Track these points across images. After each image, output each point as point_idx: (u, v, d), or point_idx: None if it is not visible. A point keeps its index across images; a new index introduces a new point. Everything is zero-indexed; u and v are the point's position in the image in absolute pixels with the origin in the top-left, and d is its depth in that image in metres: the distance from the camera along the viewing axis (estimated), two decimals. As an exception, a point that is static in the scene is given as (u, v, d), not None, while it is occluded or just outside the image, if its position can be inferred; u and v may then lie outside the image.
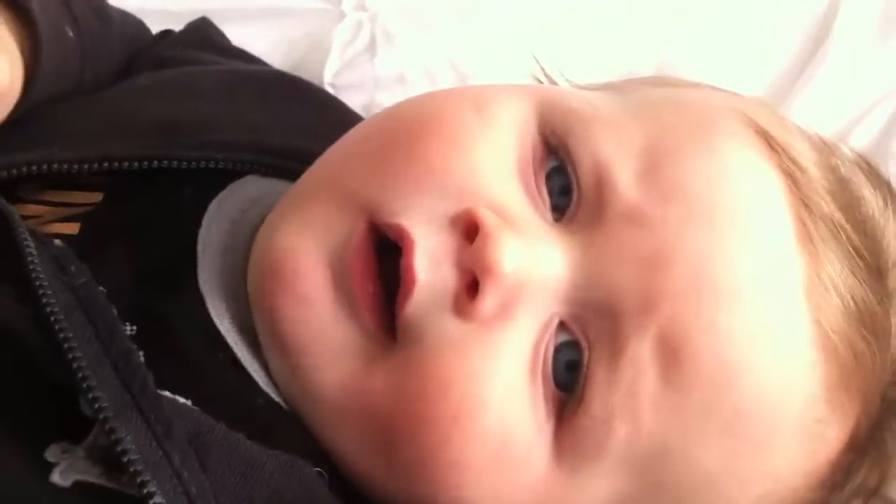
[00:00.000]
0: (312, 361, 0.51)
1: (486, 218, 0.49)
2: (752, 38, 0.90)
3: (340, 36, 0.85)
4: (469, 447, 0.49)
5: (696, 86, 0.61)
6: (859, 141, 0.79)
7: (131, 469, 0.43)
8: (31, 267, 0.47)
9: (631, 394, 0.49)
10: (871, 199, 0.56)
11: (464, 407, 0.49)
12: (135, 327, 0.50)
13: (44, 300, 0.46)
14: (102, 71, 0.68)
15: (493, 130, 0.52)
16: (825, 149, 0.57)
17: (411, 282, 0.49)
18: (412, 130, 0.53)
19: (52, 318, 0.46)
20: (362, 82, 0.82)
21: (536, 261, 0.50)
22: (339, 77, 0.83)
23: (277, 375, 0.53)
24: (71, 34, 0.63)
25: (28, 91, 0.57)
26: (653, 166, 0.51)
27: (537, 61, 0.66)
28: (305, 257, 0.51)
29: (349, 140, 0.57)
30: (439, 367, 0.49)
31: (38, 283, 0.47)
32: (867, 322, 0.52)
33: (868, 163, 0.60)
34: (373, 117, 0.59)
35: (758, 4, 0.92)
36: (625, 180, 0.51)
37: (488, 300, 0.49)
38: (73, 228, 0.56)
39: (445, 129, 0.52)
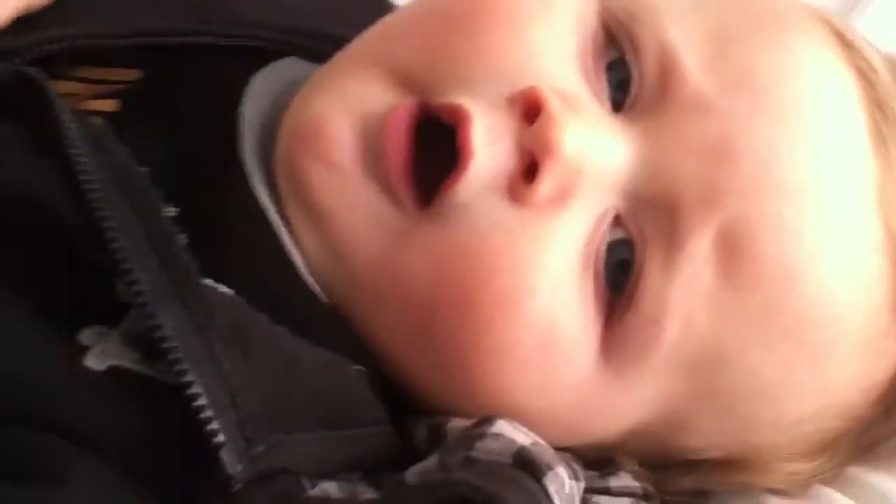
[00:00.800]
0: (342, 232, 0.49)
1: (550, 98, 0.48)
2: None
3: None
4: (513, 334, 0.48)
5: None
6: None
7: (170, 357, 0.41)
8: (69, 143, 0.45)
9: (687, 291, 0.48)
10: None
11: (510, 293, 0.47)
12: (178, 208, 0.48)
13: (82, 177, 0.44)
14: None
15: (554, 16, 0.51)
16: (892, 61, 0.55)
17: (469, 156, 0.47)
18: (471, 10, 0.51)
19: (92, 196, 0.44)
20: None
21: (597, 148, 0.48)
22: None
23: (311, 255, 0.51)
24: None
25: None
26: (722, 53, 0.49)
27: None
28: (337, 123, 0.50)
29: (397, 17, 0.55)
30: (486, 250, 0.47)
31: (76, 160, 0.45)
32: None
33: None
34: None
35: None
36: (692, 66, 0.49)
37: (547, 182, 0.47)
38: (112, 105, 0.54)
39: (505, 11, 0.51)
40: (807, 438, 0.53)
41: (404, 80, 0.50)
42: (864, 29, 0.79)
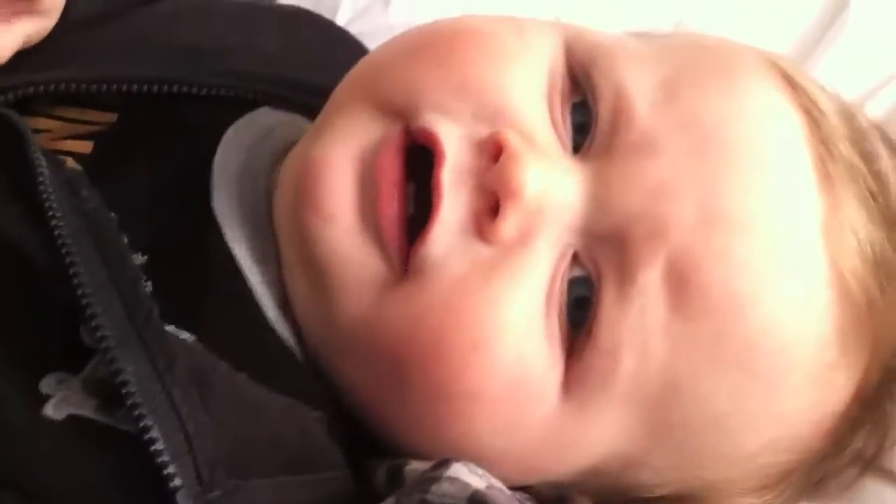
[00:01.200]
0: (333, 283, 0.51)
1: (513, 140, 0.49)
2: (767, 9, 0.89)
3: (354, -17, 0.84)
4: (486, 376, 0.49)
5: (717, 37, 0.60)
6: (875, 111, 0.78)
7: (129, 402, 0.42)
8: (42, 188, 0.47)
9: (639, 324, 0.49)
10: (888, 160, 0.55)
11: (483, 334, 0.48)
12: (146, 256, 0.50)
13: (53, 223, 0.46)
14: None
15: (529, 53, 0.53)
16: (843, 104, 0.57)
17: (438, 200, 0.49)
18: (452, 41, 0.53)
19: (60, 242, 0.45)
20: (375, 31, 0.81)
21: (557, 188, 0.50)
22: (351, 25, 0.82)
23: (299, 301, 0.52)
24: None
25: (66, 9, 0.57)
26: (671, 97, 0.51)
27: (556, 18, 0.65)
28: (334, 169, 0.51)
29: (382, 51, 0.56)
30: (460, 293, 0.49)
31: (48, 205, 0.46)
32: (882, 269, 0.52)
33: (882, 130, 0.59)
34: (406, 31, 0.58)
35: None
36: (642, 109, 0.51)
37: (510, 221, 0.49)
38: (86, 147, 0.56)
39: (486, 44, 0.52)
40: (759, 472, 0.53)
41: (394, 108, 0.52)
42: (821, 74, 0.82)
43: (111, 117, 0.57)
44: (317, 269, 0.51)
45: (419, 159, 0.50)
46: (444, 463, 0.48)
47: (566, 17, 0.65)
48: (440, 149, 0.49)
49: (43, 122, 0.57)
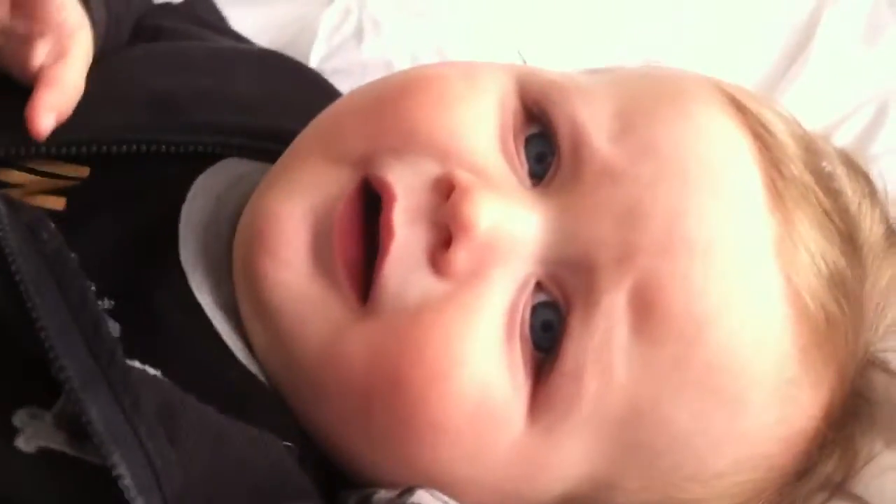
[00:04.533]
0: (291, 327, 0.51)
1: (463, 177, 0.50)
2: (734, 41, 0.91)
3: (328, 21, 0.86)
4: (446, 408, 0.49)
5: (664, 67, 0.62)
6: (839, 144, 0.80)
7: (95, 440, 0.43)
8: (1, 232, 0.46)
9: (603, 347, 0.49)
10: (845, 179, 0.57)
11: (441, 366, 0.49)
12: (112, 301, 0.50)
13: (12, 267, 0.45)
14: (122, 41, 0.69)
15: (478, 95, 0.54)
16: (797, 126, 0.58)
17: (389, 237, 0.50)
18: (401, 90, 0.54)
19: (20, 286, 0.45)
20: (349, 68, 0.83)
21: (512, 221, 0.51)
22: (326, 62, 0.84)
23: (259, 347, 0.53)
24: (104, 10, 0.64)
25: None
26: (627, 127, 0.52)
27: (521, 56, 0.66)
28: (289, 219, 0.52)
29: (338, 105, 0.58)
30: (416, 327, 0.49)
31: (6, 250, 0.46)
32: (838, 284, 0.53)
33: (847, 154, 0.61)
34: (361, 85, 0.60)
35: (741, 7, 0.93)
36: (599, 140, 0.52)
37: (461, 254, 0.50)
38: (59, 203, 0.56)
39: (433, 89, 0.54)
40: (730, 491, 0.54)
41: (349, 160, 0.53)
42: (789, 103, 0.83)
43: (84, 171, 0.58)
44: (274, 316, 0.52)
45: (380, 208, 0.51)
46: (409, 490, 0.49)
47: (536, 46, 0.67)
48: (390, 192, 0.51)
49: (15, 176, 0.57)
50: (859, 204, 0.57)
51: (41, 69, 0.57)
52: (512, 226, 0.51)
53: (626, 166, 0.51)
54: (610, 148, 0.51)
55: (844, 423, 0.56)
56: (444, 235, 0.50)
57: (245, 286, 0.53)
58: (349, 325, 0.50)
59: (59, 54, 0.57)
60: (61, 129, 0.56)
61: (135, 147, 0.58)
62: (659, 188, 0.50)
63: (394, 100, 0.54)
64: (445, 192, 0.51)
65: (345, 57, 0.84)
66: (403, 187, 0.51)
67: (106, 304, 0.50)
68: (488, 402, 0.50)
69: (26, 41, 0.57)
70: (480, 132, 0.53)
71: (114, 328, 0.49)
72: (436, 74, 0.55)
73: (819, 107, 0.85)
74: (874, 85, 0.87)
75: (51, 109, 0.55)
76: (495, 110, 0.54)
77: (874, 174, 0.61)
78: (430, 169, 0.52)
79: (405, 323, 0.50)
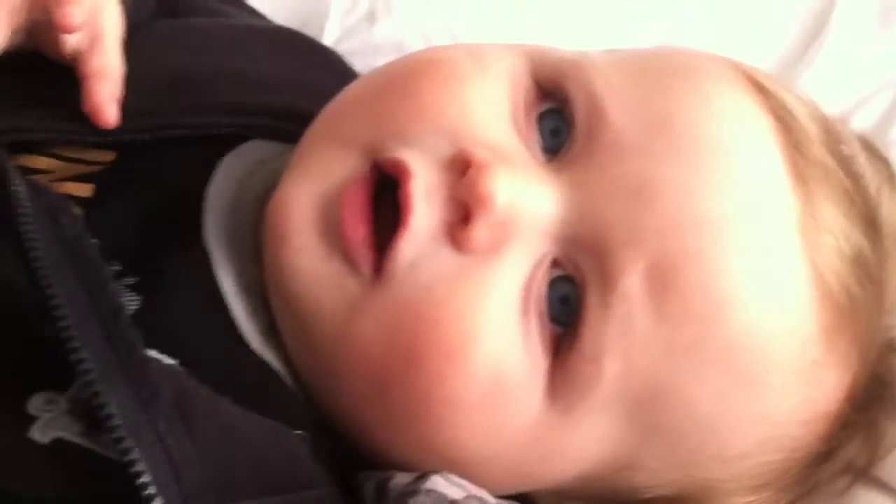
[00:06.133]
0: (308, 309, 0.51)
1: (479, 153, 0.50)
2: (749, 25, 0.90)
3: (340, 3, 0.85)
4: (462, 383, 0.49)
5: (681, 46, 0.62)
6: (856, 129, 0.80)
7: (113, 435, 0.42)
8: (20, 219, 0.46)
9: (622, 330, 0.49)
10: (864, 162, 0.56)
11: (455, 342, 0.49)
12: (136, 278, 0.50)
13: (31, 254, 0.45)
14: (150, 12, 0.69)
15: (487, 74, 0.53)
16: (817, 109, 0.57)
17: (409, 211, 0.49)
18: (408, 73, 0.54)
19: (39, 273, 0.45)
20: (361, 49, 0.82)
21: (529, 197, 0.50)
22: (338, 44, 0.83)
23: (286, 336, 0.53)
24: None
25: None
26: (643, 100, 0.51)
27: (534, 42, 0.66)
28: (296, 207, 0.52)
29: (348, 91, 0.57)
30: (431, 303, 0.49)
31: (26, 236, 0.46)
32: (861, 265, 0.52)
33: (865, 138, 0.60)
34: (371, 70, 0.60)
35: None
36: (614, 112, 0.51)
37: (480, 228, 0.49)
38: (86, 190, 0.56)
39: (441, 71, 0.53)
40: (754, 471, 0.53)
41: (359, 145, 0.52)
42: (805, 88, 0.83)
43: (110, 155, 0.57)
44: (293, 302, 0.52)
45: (394, 191, 0.50)
46: (424, 476, 0.49)
47: (549, 28, 0.66)
48: (406, 169, 0.50)
49: (42, 162, 0.57)
50: (879, 187, 0.56)
51: (81, 56, 0.57)
52: (528, 201, 0.50)
53: (638, 140, 0.50)
54: (624, 120, 0.51)
55: (867, 405, 0.55)
56: (462, 212, 0.50)
57: (270, 280, 0.53)
58: (363, 302, 0.50)
59: (95, 37, 0.57)
60: (81, 126, 0.56)
61: (160, 132, 0.57)
62: (670, 163, 0.50)
63: (402, 83, 0.54)
64: (461, 169, 0.50)
65: (357, 38, 0.83)
66: (418, 166, 0.50)
67: (130, 280, 0.50)
68: (504, 379, 0.49)
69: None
70: (491, 110, 0.52)
71: (135, 302, 0.48)
72: (443, 56, 0.55)
73: (835, 92, 0.83)
74: (891, 70, 0.86)
75: (111, 100, 0.56)
76: (506, 88, 0.53)
77: (892, 158, 0.61)
78: (442, 148, 0.51)
79: (419, 298, 0.49)
